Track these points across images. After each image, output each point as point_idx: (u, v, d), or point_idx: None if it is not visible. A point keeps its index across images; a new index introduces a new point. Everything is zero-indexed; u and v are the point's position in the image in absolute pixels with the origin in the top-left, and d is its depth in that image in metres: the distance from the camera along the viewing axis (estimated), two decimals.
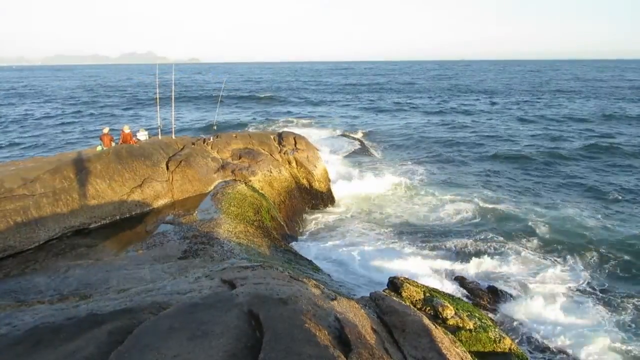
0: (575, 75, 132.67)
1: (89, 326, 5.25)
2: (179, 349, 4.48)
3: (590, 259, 14.98)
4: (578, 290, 13.07)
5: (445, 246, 16.02)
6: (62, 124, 46.55)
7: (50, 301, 7.39)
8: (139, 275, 8.92)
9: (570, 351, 10.28)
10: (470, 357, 7.25)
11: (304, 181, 19.59)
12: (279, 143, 20.90)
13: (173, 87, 21.04)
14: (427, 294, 9.81)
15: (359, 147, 32.70)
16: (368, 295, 8.20)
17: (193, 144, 17.78)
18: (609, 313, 11.86)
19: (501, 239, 16.52)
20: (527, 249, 15.77)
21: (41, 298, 7.86)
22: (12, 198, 10.93)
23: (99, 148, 15.56)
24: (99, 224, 12.48)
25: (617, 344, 10.55)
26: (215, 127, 24.22)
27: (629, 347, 10.44)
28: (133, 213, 13.40)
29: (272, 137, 21.32)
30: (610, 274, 14.10)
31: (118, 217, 12.99)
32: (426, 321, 6.79)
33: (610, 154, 30.27)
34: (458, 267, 14.32)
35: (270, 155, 19.25)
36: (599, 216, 18.66)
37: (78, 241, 11.31)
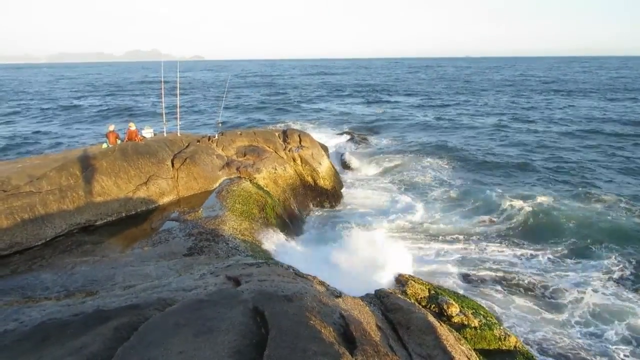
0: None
1: (96, 322, 5.28)
2: (184, 345, 4.50)
3: (604, 258, 14.81)
4: (587, 289, 12.94)
5: (454, 244, 16.00)
6: (68, 121, 46.76)
7: (57, 297, 7.45)
8: (145, 272, 8.96)
9: (576, 350, 10.23)
10: (475, 355, 7.24)
11: (309, 178, 19.59)
12: (284, 140, 20.90)
13: (178, 85, 21.09)
14: (432, 292, 9.81)
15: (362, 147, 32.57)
16: (373, 292, 8.20)
17: (198, 141, 17.82)
18: (619, 314, 11.71)
19: (512, 239, 16.48)
20: (541, 247, 15.69)
21: (48, 294, 7.93)
22: (19, 195, 11.00)
23: (104, 145, 15.62)
24: (105, 221, 12.54)
25: (625, 345, 10.50)
26: (219, 125, 24.25)
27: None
28: (138, 210, 13.46)
29: (276, 134, 21.32)
30: (625, 274, 13.87)
31: (124, 214, 13.05)
32: (431, 318, 6.79)
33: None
34: (464, 264, 14.29)
35: (275, 152, 19.26)
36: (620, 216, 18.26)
37: (84, 238, 11.38)
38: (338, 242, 13.18)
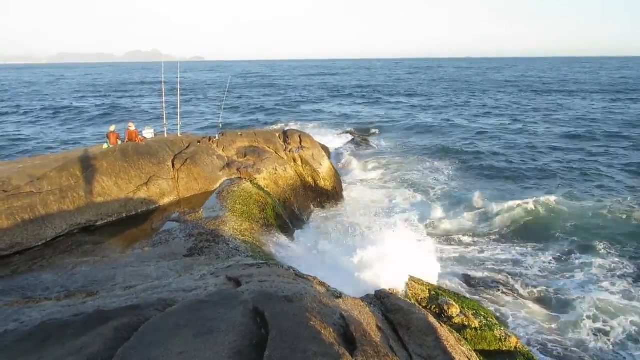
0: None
1: (96, 323, 5.28)
2: (184, 345, 4.50)
3: (608, 257, 14.79)
4: (592, 288, 12.91)
5: (454, 245, 16.00)
6: (66, 122, 46.78)
7: (57, 298, 7.45)
8: (145, 273, 8.96)
9: (577, 350, 10.21)
10: (475, 356, 7.23)
11: (309, 179, 19.58)
12: (284, 141, 20.90)
13: (178, 85, 21.09)
14: (433, 292, 9.81)
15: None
16: (373, 293, 8.19)
17: (199, 142, 17.83)
18: (625, 312, 11.65)
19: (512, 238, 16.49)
20: (540, 247, 15.69)
21: (48, 295, 7.93)
22: (20, 195, 11.01)
23: (105, 146, 15.63)
24: (105, 221, 12.54)
25: (624, 343, 10.47)
26: (220, 126, 24.26)
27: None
28: (139, 211, 13.46)
29: (277, 135, 21.32)
30: (629, 273, 13.83)
31: (124, 215, 13.05)
32: (431, 319, 6.78)
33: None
34: (465, 265, 14.28)
35: (276, 153, 19.26)
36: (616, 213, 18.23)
37: (84, 238, 11.39)
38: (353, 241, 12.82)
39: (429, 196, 21.25)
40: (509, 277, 13.64)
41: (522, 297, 12.56)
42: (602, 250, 15.14)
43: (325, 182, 19.93)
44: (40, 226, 10.90)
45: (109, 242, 11.27)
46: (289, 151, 19.91)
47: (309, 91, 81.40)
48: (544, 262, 14.60)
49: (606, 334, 10.77)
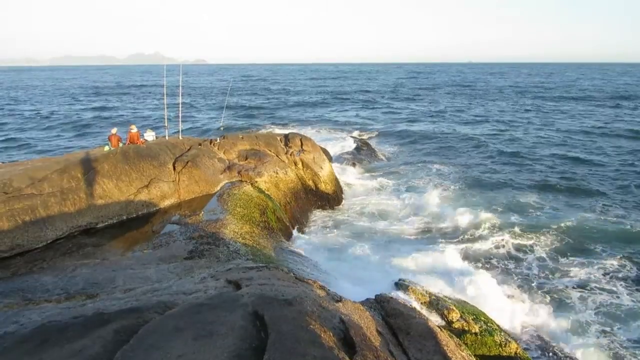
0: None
1: (95, 325, 5.28)
2: (184, 348, 4.50)
3: (608, 259, 14.84)
4: (592, 290, 12.91)
5: (454, 247, 15.97)
6: (65, 125, 46.87)
7: (57, 300, 7.45)
8: (145, 275, 8.96)
9: (578, 354, 10.16)
10: None
11: (310, 182, 19.59)
12: (285, 144, 20.92)
13: (180, 88, 21.14)
14: (433, 297, 9.78)
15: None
16: (373, 297, 8.18)
17: (200, 144, 17.85)
18: (628, 314, 11.63)
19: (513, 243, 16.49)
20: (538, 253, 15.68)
21: (48, 297, 7.92)
22: (21, 197, 11.02)
23: (106, 148, 15.66)
24: (106, 223, 12.55)
25: (626, 346, 10.43)
26: (222, 129, 24.30)
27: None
28: (140, 213, 13.47)
29: (278, 138, 21.34)
30: (630, 275, 13.84)
31: (125, 217, 13.06)
32: (431, 324, 6.77)
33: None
34: (466, 266, 14.25)
35: (277, 156, 19.28)
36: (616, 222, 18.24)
37: (85, 240, 11.38)
38: None
39: (429, 200, 21.20)
40: (510, 279, 13.64)
41: (523, 299, 12.53)
42: (604, 254, 15.19)
43: (326, 186, 19.94)
44: (40, 228, 10.91)
45: (110, 245, 11.27)
46: (290, 154, 19.93)
47: (310, 95, 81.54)
48: (545, 265, 14.60)
49: (608, 337, 10.72)
